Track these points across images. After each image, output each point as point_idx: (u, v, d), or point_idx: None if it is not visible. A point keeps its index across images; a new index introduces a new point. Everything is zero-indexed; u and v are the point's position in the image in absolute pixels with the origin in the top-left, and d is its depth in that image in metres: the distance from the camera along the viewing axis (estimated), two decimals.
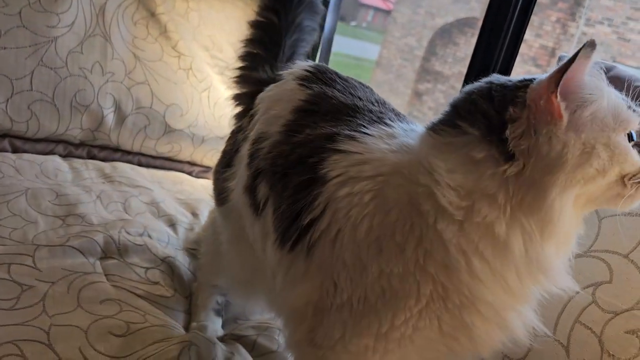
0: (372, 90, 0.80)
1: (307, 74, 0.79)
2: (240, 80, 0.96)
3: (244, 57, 0.98)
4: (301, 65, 0.83)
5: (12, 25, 1.20)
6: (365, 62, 9.49)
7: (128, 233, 1.05)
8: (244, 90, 0.95)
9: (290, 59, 0.94)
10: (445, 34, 7.31)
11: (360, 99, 0.74)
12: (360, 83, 0.81)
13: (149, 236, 1.06)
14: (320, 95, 0.75)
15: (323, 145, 0.65)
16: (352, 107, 0.71)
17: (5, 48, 1.19)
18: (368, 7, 12.84)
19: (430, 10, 7.64)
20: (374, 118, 0.69)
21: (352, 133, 0.65)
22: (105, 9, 1.34)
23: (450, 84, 6.98)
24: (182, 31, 1.45)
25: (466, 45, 6.99)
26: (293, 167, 0.67)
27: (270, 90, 0.83)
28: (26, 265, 0.88)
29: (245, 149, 0.81)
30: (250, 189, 0.75)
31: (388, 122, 0.68)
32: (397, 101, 7.48)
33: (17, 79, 1.20)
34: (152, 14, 1.41)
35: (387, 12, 10.97)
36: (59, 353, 0.75)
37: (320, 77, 0.78)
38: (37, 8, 1.23)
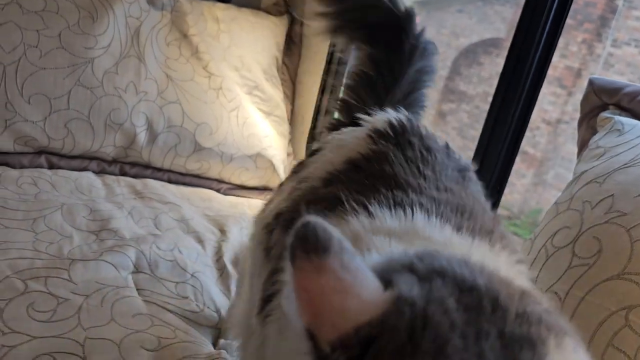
0: (465, 171, 0.67)
1: (386, 127, 0.69)
2: (341, 109, 0.89)
3: (353, 88, 0.88)
4: (386, 116, 0.73)
5: (52, 47, 1.25)
6: None
7: (159, 248, 1.07)
8: (340, 120, 0.87)
9: (406, 97, 0.84)
10: (470, 54, 7.31)
11: (422, 176, 0.60)
12: (448, 157, 0.68)
13: (179, 252, 1.08)
14: (379, 155, 0.64)
15: (329, 206, 0.56)
16: (399, 181, 0.59)
17: (45, 68, 1.24)
18: None
19: (455, 30, 7.66)
20: (407, 205, 0.54)
21: (356, 208, 0.53)
22: (140, 30, 1.38)
23: (474, 104, 6.96)
24: (213, 52, 1.49)
25: (491, 65, 6.96)
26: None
27: (341, 133, 0.76)
28: (62, 278, 0.91)
29: (289, 184, 0.76)
30: (269, 229, 0.70)
31: (418, 220, 0.52)
32: (422, 121, 7.47)
33: (55, 98, 1.25)
34: (185, 36, 1.45)
35: None
36: None
37: (397, 135, 0.68)
38: (76, 30, 1.28)
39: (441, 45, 7.72)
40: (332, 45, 1.66)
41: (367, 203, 0.54)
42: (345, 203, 0.54)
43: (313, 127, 1.72)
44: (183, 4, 1.48)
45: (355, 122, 0.76)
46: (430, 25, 8.09)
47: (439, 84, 7.58)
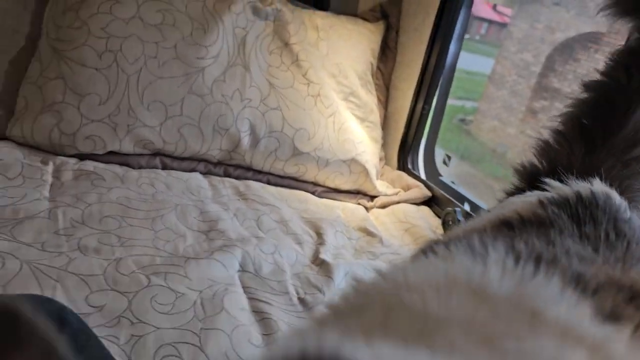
0: None
1: (567, 195, 0.57)
2: (537, 153, 0.72)
3: (565, 127, 0.71)
4: (579, 187, 0.59)
5: (169, 58, 1.36)
6: (476, 76, 9.26)
7: (261, 251, 1.14)
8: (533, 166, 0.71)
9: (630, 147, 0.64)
10: (566, 50, 6.95)
11: (600, 259, 0.47)
12: None
13: (280, 255, 1.14)
14: (542, 221, 0.53)
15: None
16: (552, 257, 0.42)
17: (162, 78, 1.34)
18: (482, 19, 12.51)
19: (550, 24, 7.30)
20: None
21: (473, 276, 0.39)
22: (246, 40, 1.47)
23: (569, 103, 6.60)
24: (312, 60, 1.54)
25: (588, 61, 6.59)
26: None
27: (520, 196, 0.64)
28: (179, 274, 1.00)
29: (454, 231, 0.66)
30: None
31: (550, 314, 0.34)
32: (511, 118, 7.22)
33: (170, 105, 1.35)
34: (286, 44, 1.52)
35: (502, 25, 10.63)
36: (208, 355, 0.84)
37: (579, 206, 0.55)
38: (189, 41, 1.38)
39: (534, 40, 7.39)
40: (428, 52, 1.67)
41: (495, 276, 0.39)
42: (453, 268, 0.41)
43: (406, 132, 1.74)
44: (285, 13, 1.54)
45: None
46: (523, 19, 7.77)
47: (531, 80, 7.27)
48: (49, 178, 1.19)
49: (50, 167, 1.22)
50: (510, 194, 0.71)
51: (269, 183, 1.53)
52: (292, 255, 1.18)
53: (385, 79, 1.81)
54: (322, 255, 1.22)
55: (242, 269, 1.08)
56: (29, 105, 1.28)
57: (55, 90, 1.27)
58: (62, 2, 1.33)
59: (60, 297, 0.87)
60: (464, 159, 6.45)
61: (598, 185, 0.59)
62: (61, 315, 0.55)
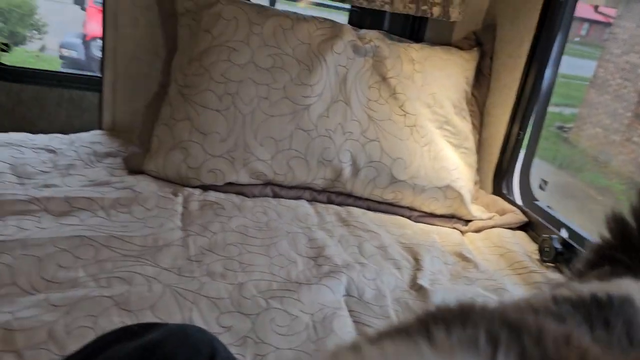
0: None
1: (582, 294, 0.55)
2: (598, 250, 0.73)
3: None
4: (598, 287, 0.57)
5: (278, 97, 1.50)
6: (576, 80, 8.82)
7: (364, 276, 1.24)
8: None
9: None
10: None
11: None
12: None
13: (381, 281, 1.24)
14: (548, 314, 0.51)
15: None
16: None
17: (272, 116, 1.49)
18: (582, 20, 11.89)
19: None
20: None
21: None
22: (346, 77, 1.58)
23: None
24: (408, 92, 1.63)
25: None
26: None
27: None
28: (293, 298, 1.12)
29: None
30: None
31: None
32: (614, 125, 6.82)
33: (280, 140, 1.50)
34: (384, 78, 1.62)
35: (605, 26, 10.03)
36: None
37: (593, 307, 0.52)
38: (297, 82, 1.52)
39: None
40: (523, 78, 1.70)
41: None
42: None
43: (501, 157, 1.78)
44: (382, 49, 1.64)
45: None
46: (629, 19, 7.31)
47: (638, 84, 6.83)
48: (180, 208, 1.37)
49: (180, 198, 1.41)
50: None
51: (368, 209, 1.63)
52: (392, 280, 1.28)
53: (480, 104, 1.85)
54: (420, 281, 1.30)
55: (348, 294, 1.19)
56: (161, 143, 1.48)
57: (183, 130, 1.46)
58: (188, 53, 1.52)
59: (197, 318, 1.03)
60: (562, 168, 6.19)
61: (624, 285, 0.58)
62: (213, 345, 0.68)
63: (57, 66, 5.30)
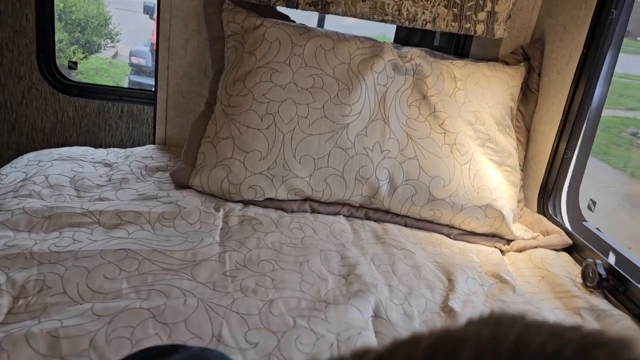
0: None
1: None
2: None
3: None
4: None
5: (318, 117, 1.55)
6: None
7: (392, 300, 1.26)
8: None
9: None
10: None
11: None
12: None
13: (409, 304, 1.25)
14: None
15: None
16: None
17: (311, 135, 1.54)
18: None
19: None
20: None
21: None
22: (386, 95, 1.60)
23: None
24: (449, 110, 1.63)
25: None
26: None
27: None
28: (320, 318, 1.16)
29: None
30: None
31: None
32: None
33: (318, 158, 1.54)
34: (424, 97, 1.63)
35: None
36: None
37: None
38: (336, 102, 1.55)
39: None
40: (571, 95, 1.65)
41: None
42: None
43: (547, 176, 1.74)
44: (424, 67, 1.65)
45: None
46: None
47: None
48: (220, 223, 1.44)
49: (221, 213, 1.48)
50: None
51: (405, 225, 1.64)
52: (422, 302, 1.29)
53: (526, 120, 1.81)
54: (451, 303, 1.30)
55: (375, 315, 1.21)
56: (206, 160, 1.56)
57: (226, 148, 1.53)
58: (233, 74, 1.59)
59: (225, 332, 1.08)
60: (635, 177, 5.86)
61: None
62: None
63: (127, 72, 5.61)
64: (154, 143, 1.91)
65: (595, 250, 1.52)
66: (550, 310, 1.36)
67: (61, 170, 1.58)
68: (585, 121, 1.64)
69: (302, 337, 1.10)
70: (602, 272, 1.43)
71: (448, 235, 1.66)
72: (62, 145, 1.92)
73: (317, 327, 1.13)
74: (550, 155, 1.71)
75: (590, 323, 1.34)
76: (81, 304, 1.09)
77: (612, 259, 1.51)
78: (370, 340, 1.13)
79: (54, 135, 2.15)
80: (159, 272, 1.21)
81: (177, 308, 1.11)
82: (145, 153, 1.76)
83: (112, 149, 1.78)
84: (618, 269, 1.44)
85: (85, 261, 1.20)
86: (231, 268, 1.27)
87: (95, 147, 1.87)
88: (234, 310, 1.13)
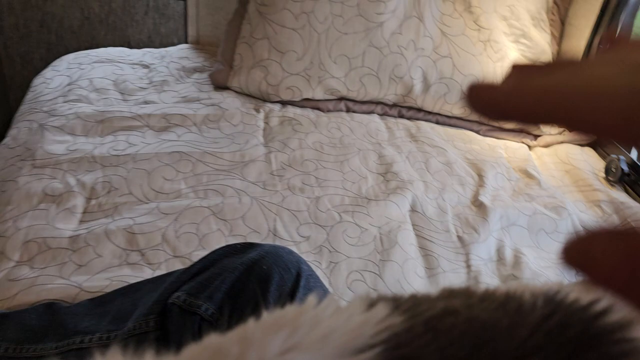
0: None
1: None
2: None
3: None
4: None
5: (352, 15, 1.54)
6: None
7: (426, 196, 1.36)
8: None
9: None
10: None
11: None
12: None
13: (443, 199, 1.35)
14: None
15: None
16: None
17: (346, 34, 1.55)
18: None
19: None
20: None
21: None
22: None
23: None
24: (484, 4, 1.61)
25: None
26: None
27: None
28: (362, 213, 1.27)
29: None
30: None
31: None
32: None
33: (353, 58, 1.57)
34: None
35: None
36: (385, 282, 1.12)
37: None
38: None
39: None
40: None
41: None
42: None
43: None
44: None
45: None
46: None
47: None
48: (261, 124, 1.51)
49: (261, 114, 1.54)
50: None
51: (437, 123, 1.70)
52: (454, 197, 1.38)
53: (562, 13, 1.79)
54: (481, 197, 1.40)
55: (412, 209, 1.32)
56: (243, 61, 1.58)
57: (262, 49, 1.56)
58: None
59: (280, 227, 1.20)
60: None
61: None
62: (299, 265, 0.84)
63: None
64: (185, 41, 1.92)
65: (618, 146, 1.59)
66: (572, 203, 1.46)
67: (103, 73, 1.62)
68: (623, 16, 1.62)
69: (348, 230, 1.21)
70: (625, 167, 1.51)
71: (478, 132, 1.72)
72: (92, 43, 1.94)
73: (360, 222, 1.24)
74: (584, 50, 1.71)
75: (609, 215, 1.44)
76: (147, 203, 1.20)
77: (634, 155, 1.58)
78: (409, 232, 1.24)
79: (82, 32, 2.15)
80: (212, 173, 1.30)
81: (233, 206, 1.21)
82: (181, 53, 1.79)
83: (146, 50, 1.80)
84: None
85: (144, 164, 1.29)
86: (277, 168, 1.36)
87: (124, 44, 1.88)
88: (284, 207, 1.24)
